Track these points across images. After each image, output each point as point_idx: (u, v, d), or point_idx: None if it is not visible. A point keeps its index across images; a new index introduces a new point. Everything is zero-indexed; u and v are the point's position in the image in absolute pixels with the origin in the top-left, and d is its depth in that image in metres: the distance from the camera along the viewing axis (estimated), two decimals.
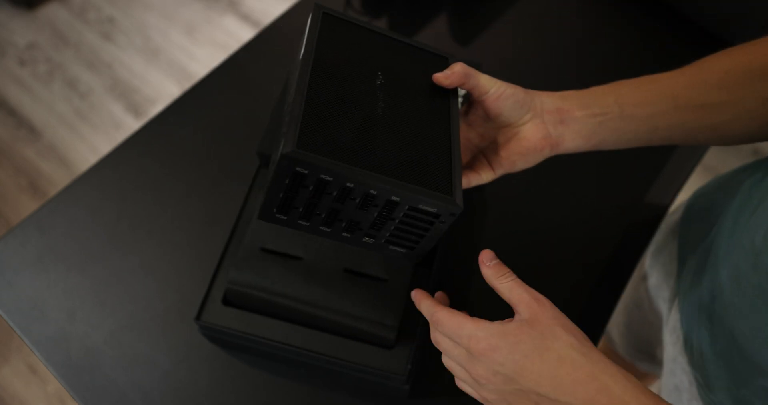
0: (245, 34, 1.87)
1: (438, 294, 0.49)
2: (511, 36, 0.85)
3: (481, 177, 0.50)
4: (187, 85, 1.76)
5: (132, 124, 1.72)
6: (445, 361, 0.44)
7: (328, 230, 0.45)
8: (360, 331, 0.54)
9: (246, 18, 1.91)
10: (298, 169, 0.39)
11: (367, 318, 0.53)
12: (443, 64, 0.50)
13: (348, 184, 0.40)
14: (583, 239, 0.70)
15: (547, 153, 0.48)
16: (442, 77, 0.48)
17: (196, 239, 0.67)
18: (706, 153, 0.78)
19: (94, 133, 1.71)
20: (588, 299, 0.66)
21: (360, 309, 0.54)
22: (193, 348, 0.61)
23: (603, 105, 0.48)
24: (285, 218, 0.44)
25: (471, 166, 0.51)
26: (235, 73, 0.80)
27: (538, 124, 0.48)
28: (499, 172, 0.50)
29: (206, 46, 1.86)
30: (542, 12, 0.88)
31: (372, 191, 0.41)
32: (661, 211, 0.72)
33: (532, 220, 0.70)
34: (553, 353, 0.37)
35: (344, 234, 0.45)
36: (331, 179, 0.40)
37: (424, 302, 0.45)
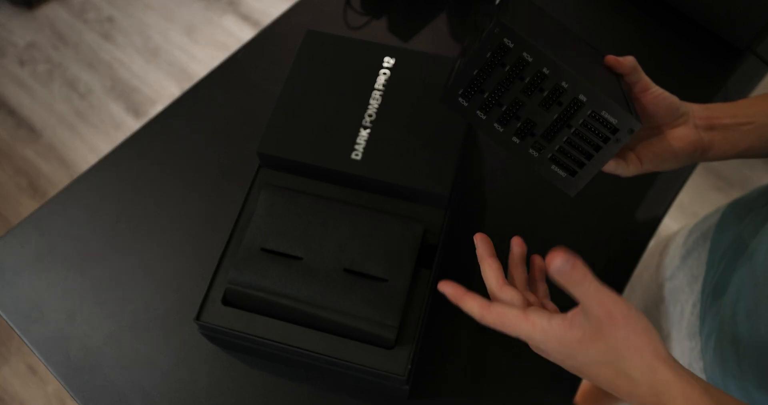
0: (245, 34, 1.87)
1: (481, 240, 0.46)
2: None
3: (628, 168, 0.51)
4: (187, 85, 1.76)
5: (132, 124, 1.72)
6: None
7: (501, 130, 0.44)
8: (360, 331, 0.54)
9: (246, 18, 1.91)
10: (505, 40, 0.40)
11: (367, 318, 0.53)
12: None
13: (544, 69, 0.41)
14: (584, 238, 0.70)
15: (697, 156, 0.51)
16: (614, 60, 0.51)
17: (196, 239, 0.67)
18: None
19: (94, 133, 1.71)
20: None
21: (360, 309, 0.54)
22: (193, 348, 0.61)
23: (749, 114, 0.50)
24: (465, 104, 0.44)
25: (620, 154, 0.52)
26: (235, 73, 0.80)
27: (689, 128, 0.50)
28: (647, 167, 0.51)
29: (206, 46, 1.86)
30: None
31: (564, 83, 0.41)
32: (663, 210, 0.72)
33: (533, 220, 0.70)
34: (613, 370, 0.37)
35: (514, 138, 0.44)
36: (531, 59, 0.41)
37: (467, 303, 0.41)
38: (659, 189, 0.73)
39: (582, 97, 0.41)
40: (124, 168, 0.72)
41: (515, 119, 0.44)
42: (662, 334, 0.73)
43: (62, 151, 1.68)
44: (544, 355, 0.41)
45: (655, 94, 0.50)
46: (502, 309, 0.40)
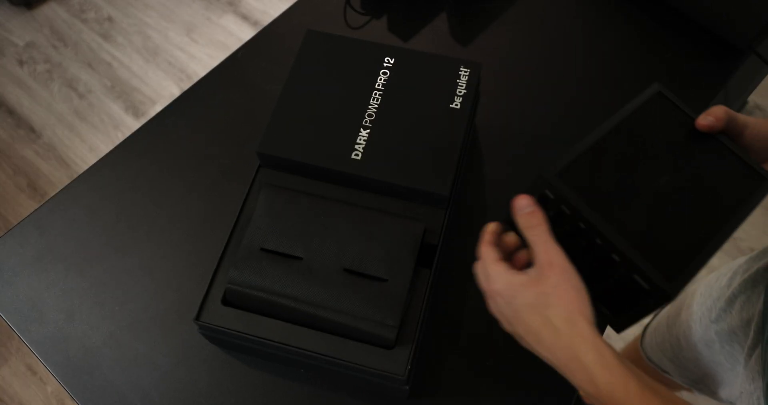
0: (245, 34, 1.87)
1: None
2: (510, 36, 0.85)
3: None
4: (187, 84, 1.76)
5: (131, 124, 1.72)
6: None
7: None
8: (360, 331, 0.53)
9: (246, 18, 1.91)
10: (546, 191, 0.43)
11: (367, 318, 0.53)
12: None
13: (580, 224, 0.42)
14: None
15: None
16: (707, 126, 0.46)
17: (196, 239, 0.67)
18: None
19: (94, 133, 1.71)
20: None
21: (360, 309, 0.53)
22: (193, 348, 0.61)
23: None
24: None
25: None
26: (235, 72, 0.80)
27: None
28: None
29: (206, 46, 1.85)
30: (542, 12, 0.88)
31: (597, 241, 0.41)
32: None
33: None
34: (540, 316, 0.40)
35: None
36: (568, 213, 0.42)
37: (485, 247, 0.47)
38: None
39: (615, 257, 0.41)
40: (124, 168, 0.72)
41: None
42: (722, 373, 0.71)
43: (62, 150, 1.68)
44: (498, 314, 0.45)
45: (751, 135, 0.47)
46: (485, 256, 0.46)
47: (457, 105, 0.64)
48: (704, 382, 0.78)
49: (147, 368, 0.60)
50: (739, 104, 0.84)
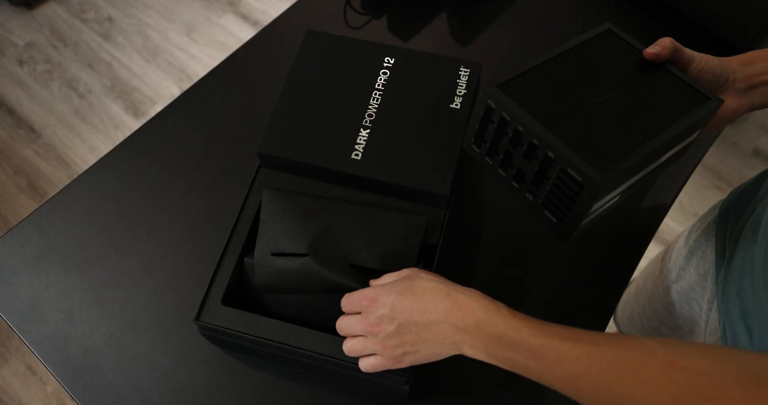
0: (245, 34, 1.87)
1: None
2: (511, 36, 0.85)
3: None
4: (187, 84, 1.76)
5: (131, 124, 1.72)
6: (349, 344, 0.49)
7: (503, 174, 0.50)
8: None
9: (246, 18, 1.91)
10: (489, 101, 0.47)
11: None
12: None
13: (519, 127, 0.46)
14: (584, 237, 0.70)
15: (738, 116, 0.52)
16: (653, 54, 0.50)
17: (196, 239, 0.67)
18: (706, 153, 0.78)
19: (93, 133, 1.71)
20: (588, 299, 0.66)
21: None
22: (193, 348, 0.61)
23: None
24: (477, 151, 0.51)
25: None
26: (235, 72, 0.80)
27: (731, 93, 0.51)
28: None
29: (206, 46, 1.85)
30: (542, 12, 0.88)
31: (534, 141, 0.45)
32: (663, 210, 0.72)
33: (532, 220, 0.70)
34: (419, 288, 0.45)
35: (513, 183, 0.50)
36: (509, 118, 0.46)
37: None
38: (661, 189, 0.73)
39: (550, 154, 0.45)
40: (124, 168, 0.72)
41: (510, 167, 0.49)
42: (683, 333, 0.73)
43: (62, 150, 1.68)
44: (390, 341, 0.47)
45: (698, 68, 0.51)
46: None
47: (457, 105, 0.64)
48: None
49: (147, 368, 0.60)
50: None
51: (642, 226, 0.71)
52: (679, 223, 1.58)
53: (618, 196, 0.49)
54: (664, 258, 0.78)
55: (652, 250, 1.54)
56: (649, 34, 0.86)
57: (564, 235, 0.48)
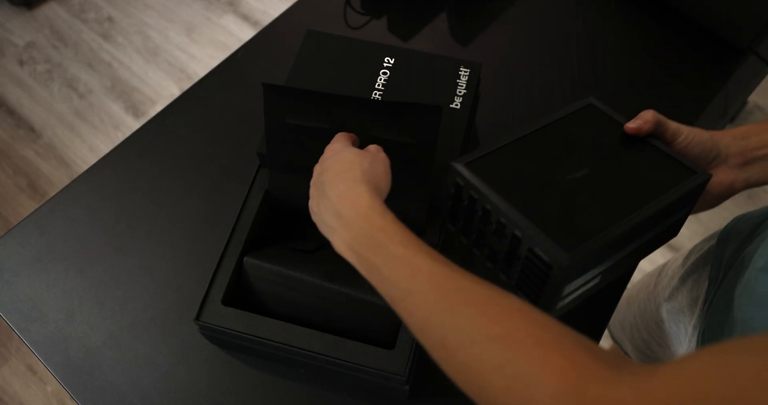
0: (245, 34, 1.86)
1: None
2: (510, 36, 0.85)
3: None
4: (187, 84, 1.76)
5: (131, 124, 1.72)
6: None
7: (478, 254, 0.49)
8: (362, 330, 0.54)
9: (246, 18, 1.91)
10: (458, 179, 0.47)
11: (368, 317, 0.53)
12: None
13: (486, 206, 0.45)
14: None
15: (734, 194, 0.49)
16: (635, 128, 0.48)
17: (196, 239, 0.67)
18: None
19: (94, 133, 1.71)
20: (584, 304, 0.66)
21: (367, 292, 0.54)
22: (193, 348, 0.61)
23: None
24: (453, 229, 0.51)
25: None
26: (235, 72, 0.80)
27: (725, 169, 0.48)
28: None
29: (206, 46, 1.85)
30: (542, 12, 0.88)
31: (502, 219, 0.44)
32: None
33: None
34: (346, 161, 0.46)
35: (488, 263, 0.48)
36: (476, 197, 0.45)
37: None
38: None
39: (518, 233, 0.43)
40: (124, 168, 0.72)
41: (484, 246, 0.48)
42: (670, 352, 0.72)
43: (62, 150, 1.68)
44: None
45: (685, 143, 0.48)
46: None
47: (457, 105, 0.64)
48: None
49: (147, 368, 0.60)
50: (739, 104, 0.84)
51: None
52: None
53: (599, 277, 0.46)
54: (660, 273, 0.77)
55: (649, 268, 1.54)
56: (649, 34, 0.87)
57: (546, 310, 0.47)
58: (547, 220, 0.42)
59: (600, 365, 0.29)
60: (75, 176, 0.73)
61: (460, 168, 0.46)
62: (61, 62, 1.82)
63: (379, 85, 0.65)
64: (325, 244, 0.55)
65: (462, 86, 0.65)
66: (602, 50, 0.85)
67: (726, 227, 0.63)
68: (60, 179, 1.63)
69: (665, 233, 0.49)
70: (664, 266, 0.78)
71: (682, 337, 0.68)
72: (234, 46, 1.80)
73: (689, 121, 0.78)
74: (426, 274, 0.37)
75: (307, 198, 0.50)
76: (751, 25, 0.80)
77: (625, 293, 0.88)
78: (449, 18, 0.86)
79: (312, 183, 0.48)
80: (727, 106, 0.81)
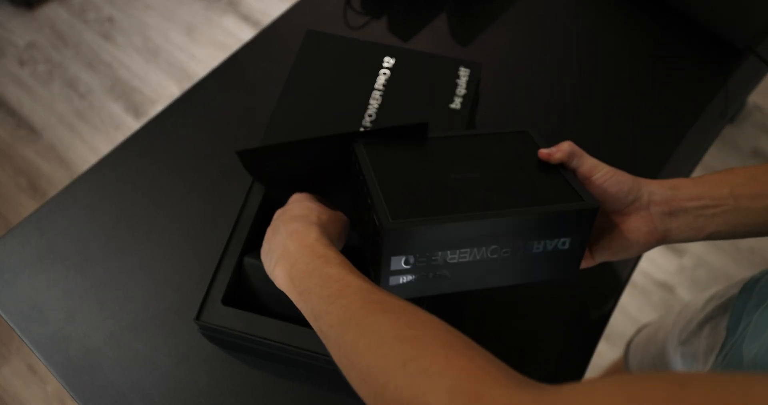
0: (245, 34, 1.87)
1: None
2: (510, 36, 0.85)
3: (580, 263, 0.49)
4: (187, 85, 1.76)
5: (132, 124, 1.72)
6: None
7: (356, 232, 0.53)
8: None
9: (246, 18, 1.91)
10: (355, 156, 0.50)
11: None
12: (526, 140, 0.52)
13: (361, 177, 0.48)
14: None
15: (652, 246, 0.47)
16: (546, 153, 0.48)
17: (196, 239, 0.67)
18: (706, 153, 0.78)
19: (94, 133, 1.71)
20: (583, 306, 0.66)
21: None
22: (193, 348, 0.61)
23: (716, 196, 0.45)
24: (353, 209, 0.54)
25: None
26: (235, 73, 0.80)
27: (644, 216, 0.46)
28: (599, 259, 0.49)
29: (206, 46, 1.85)
30: (542, 12, 0.88)
31: (365, 189, 0.48)
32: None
33: None
34: (303, 207, 0.49)
35: (360, 240, 0.52)
36: (362, 175, 0.48)
37: None
38: None
39: (369, 201, 0.45)
40: (124, 168, 0.72)
41: (358, 223, 0.51)
42: None
43: (62, 151, 1.68)
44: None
45: (602, 180, 0.46)
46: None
47: (457, 105, 0.64)
48: None
49: (147, 368, 0.60)
50: (739, 104, 0.84)
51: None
52: None
53: (446, 272, 0.46)
54: (680, 313, 0.74)
55: (655, 251, 1.54)
56: (649, 34, 0.87)
57: (377, 279, 0.47)
58: (402, 199, 0.44)
59: (505, 375, 0.29)
60: (75, 176, 0.73)
61: (359, 147, 0.49)
62: (62, 62, 1.82)
63: (378, 86, 0.65)
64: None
65: (462, 86, 0.65)
66: (602, 50, 0.85)
67: (752, 278, 0.60)
68: (60, 179, 1.63)
69: (547, 262, 0.47)
70: (684, 307, 0.76)
71: None
72: (234, 46, 1.80)
73: (689, 122, 0.78)
74: (354, 288, 0.38)
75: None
76: (751, 25, 0.80)
77: (644, 331, 0.86)
78: (449, 18, 0.86)
79: (270, 226, 0.50)
80: (726, 106, 0.81)
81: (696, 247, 1.55)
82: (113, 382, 0.60)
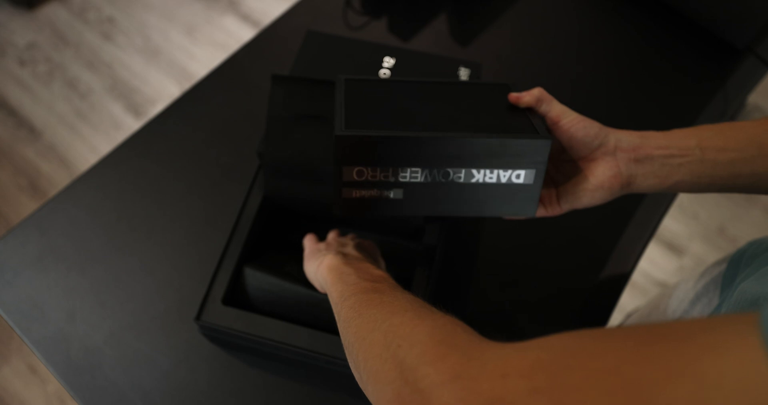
0: (245, 34, 1.87)
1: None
2: (510, 36, 0.85)
3: (546, 210, 0.50)
4: (187, 85, 1.76)
5: (132, 124, 1.72)
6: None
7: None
8: None
9: (246, 18, 1.91)
10: (338, 82, 0.52)
11: None
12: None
13: (336, 96, 0.51)
14: (579, 245, 0.70)
15: (617, 192, 0.48)
16: (515, 97, 0.49)
17: (196, 239, 0.67)
18: None
19: (94, 133, 1.71)
20: (583, 305, 0.66)
21: None
22: (193, 348, 0.61)
23: (683, 147, 0.46)
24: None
25: (540, 198, 0.50)
26: (235, 73, 0.80)
27: (609, 161, 0.47)
28: (565, 207, 0.49)
29: (206, 46, 1.86)
30: (542, 12, 0.88)
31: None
32: (656, 216, 0.72)
33: (530, 226, 0.70)
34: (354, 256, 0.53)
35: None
36: (336, 92, 0.51)
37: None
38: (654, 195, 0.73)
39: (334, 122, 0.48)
40: (124, 168, 0.72)
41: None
42: None
43: (62, 151, 1.68)
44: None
45: (569, 125, 0.47)
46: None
47: None
48: None
49: (148, 368, 0.60)
50: (739, 104, 0.84)
51: (636, 232, 0.71)
52: (679, 222, 1.58)
53: (398, 192, 0.47)
54: (671, 295, 0.74)
55: (652, 250, 1.54)
56: (649, 34, 0.87)
57: (336, 206, 0.48)
58: (363, 117, 0.46)
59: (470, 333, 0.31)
60: (75, 176, 0.73)
61: (340, 79, 0.51)
62: (62, 62, 1.82)
63: None
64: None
65: None
66: (602, 50, 0.85)
67: (738, 250, 0.61)
68: (61, 179, 1.64)
69: (503, 195, 0.48)
70: (675, 287, 0.76)
71: None
72: (234, 46, 1.80)
73: (689, 122, 0.78)
74: (391, 284, 0.42)
75: (301, 201, 0.52)
76: (751, 26, 0.80)
77: (636, 315, 0.87)
78: (449, 18, 0.86)
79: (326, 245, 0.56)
80: (726, 107, 0.82)
81: (696, 247, 1.55)
82: (114, 382, 0.60)
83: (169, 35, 1.88)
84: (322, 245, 0.56)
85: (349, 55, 0.68)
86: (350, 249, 0.54)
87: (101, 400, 0.59)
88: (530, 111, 0.49)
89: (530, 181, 0.47)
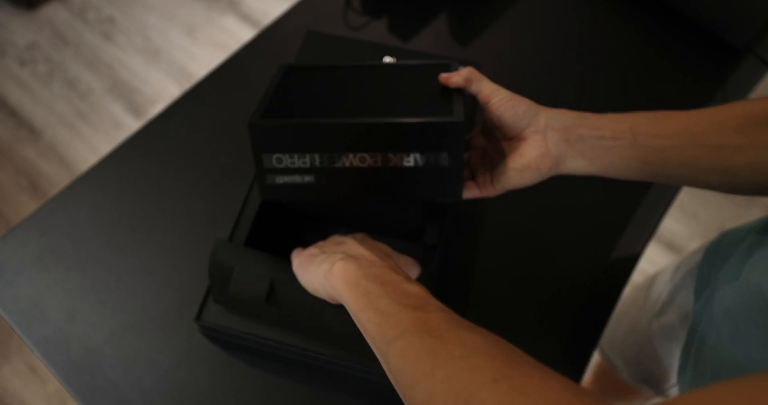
0: (245, 34, 1.87)
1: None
2: (510, 36, 0.85)
3: (480, 191, 0.50)
4: (187, 85, 1.76)
5: (132, 125, 1.72)
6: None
7: None
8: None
9: (246, 18, 1.91)
10: (276, 72, 0.54)
11: None
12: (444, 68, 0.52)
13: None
14: (579, 245, 0.70)
15: (545, 172, 0.47)
16: (444, 77, 0.49)
17: (196, 239, 0.67)
18: None
19: (94, 133, 1.71)
20: (584, 305, 0.66)
21: None
22: (193, 348, 0.61)
23: (616, 129, 0.46)
24: None
25: (475, 178, 0.50)
26: (235, 73, 0.80)
27: (539, 140, 0.46)
28: (498, 187, 0.49)
29: (206, 46, 1.86)
30: (542, 12, 0.88)
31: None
32: (656, 216, 0.72)
33: (530, 226, 0.70)
34: (360, 246, 0.50)
35: None
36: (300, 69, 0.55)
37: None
38: (652, 199, 0.73)
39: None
40: (125, 168, 0.73)
41: None
42: (662, 367, 0.72)
43: (62, 151, 1.68)
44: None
45: (497, 105, 0.46)
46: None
47: None
48: (648, 380, 0.78)
49: (148, 368, 0.60)
50: None
51: (633, 236, 0.71)
52: (678, 221, 1.58)
53: (313, 177, 0.47)
54: (650, 287, 0.75)
55: (652, 250, 1.54)
56: (649, 34, 0.87)
57: (261, 193, 0.49)
58: (286, 105, 0.47)
59: (595, 399, 0.29)
60: (75, 176, 0.73)
61: (279, 68, 0.52)
62: (62, 62, 1.82)
63: None
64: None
65: None
66: (602, 50, 0.85)
67: (713, 241, 0.61)
68: (61, 179, 1.64)
69: (425, 179, 0.47)
70: (653, 281, 0.77)
71: (675, 352, 0.67)
72: (234, 46, 1.80)
73: None
74: (435, 306, 0.39)
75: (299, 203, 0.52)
76: (751, 26, 0.80)
77: (615, 310, 0.87)
78: (449, 18, 0.86)
79: (319, 243, 0.54)
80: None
81: (696, 247, 1.55)
82: (114, 382, 0.60)
83: (169, 35, 1.88)
84: (314, 250, 0.52)
85: (349, 55, 0.68)
86: (354, 247, 0.49)
87: (101, 400, 0.59)
88: (461, 91, 0.49)
89: (449, 163, 0.46)
